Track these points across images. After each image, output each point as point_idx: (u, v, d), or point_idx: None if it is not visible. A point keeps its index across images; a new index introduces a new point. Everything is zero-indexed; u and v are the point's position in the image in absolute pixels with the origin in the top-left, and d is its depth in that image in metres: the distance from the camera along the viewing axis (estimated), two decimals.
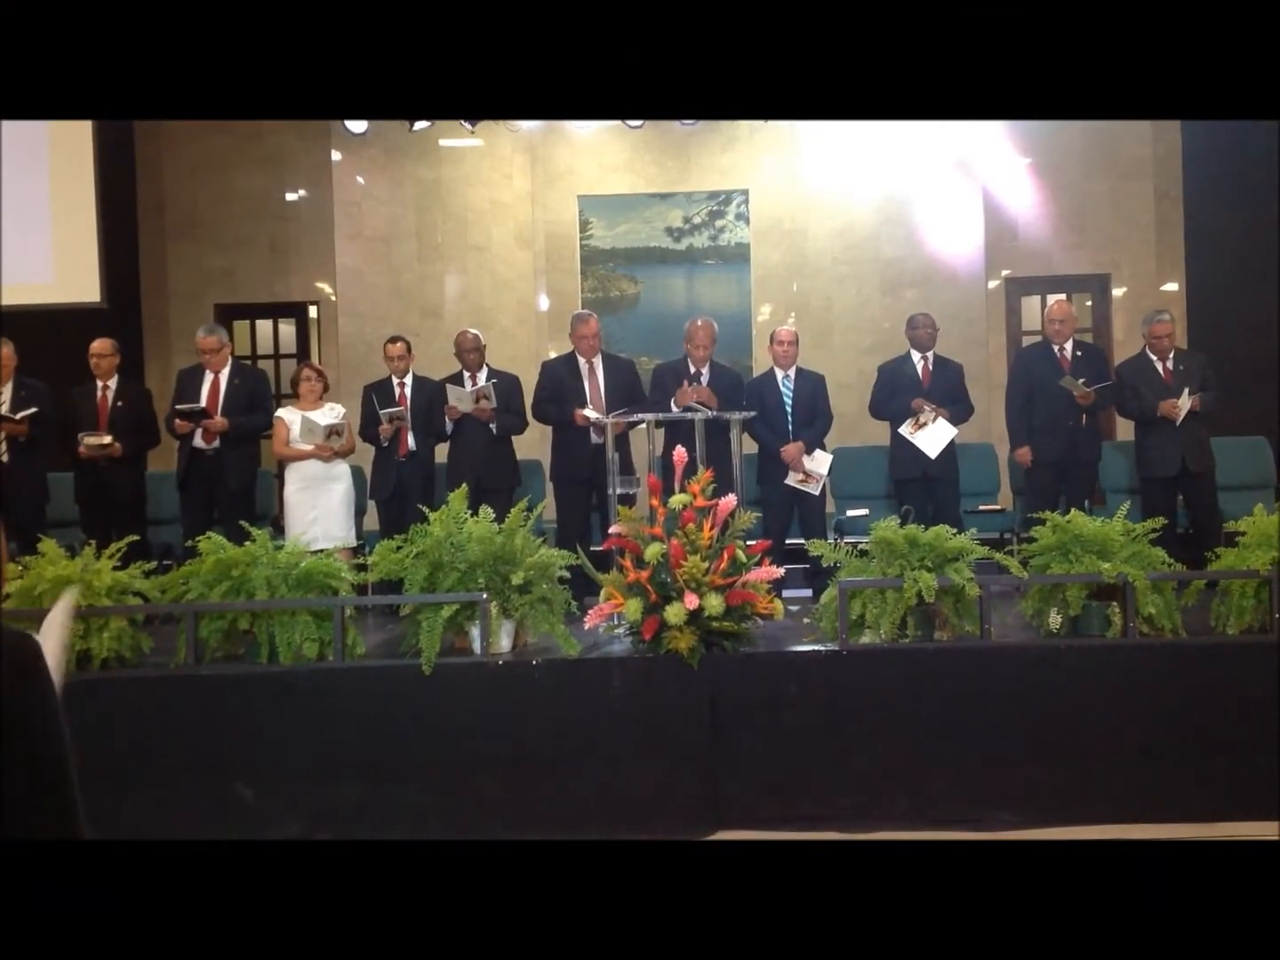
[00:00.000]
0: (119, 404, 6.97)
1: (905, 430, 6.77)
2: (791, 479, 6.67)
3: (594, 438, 6.60)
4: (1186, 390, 6.59)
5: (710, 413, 5.98)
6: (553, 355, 9.30)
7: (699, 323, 6.84)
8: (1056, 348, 6.92)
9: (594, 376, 6.86)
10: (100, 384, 6.98)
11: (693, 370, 6.75)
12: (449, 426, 6.81)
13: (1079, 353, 6.95)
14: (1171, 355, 6.85)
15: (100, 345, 7.02)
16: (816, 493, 6.69)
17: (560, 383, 6.87)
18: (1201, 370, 6.81)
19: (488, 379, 6.93)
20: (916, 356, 7.02)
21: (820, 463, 6.70)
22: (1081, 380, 6.65)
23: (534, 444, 7.86)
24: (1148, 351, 6.92)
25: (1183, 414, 6.55)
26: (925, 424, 6.72)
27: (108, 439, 6.76)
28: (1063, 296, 8.59)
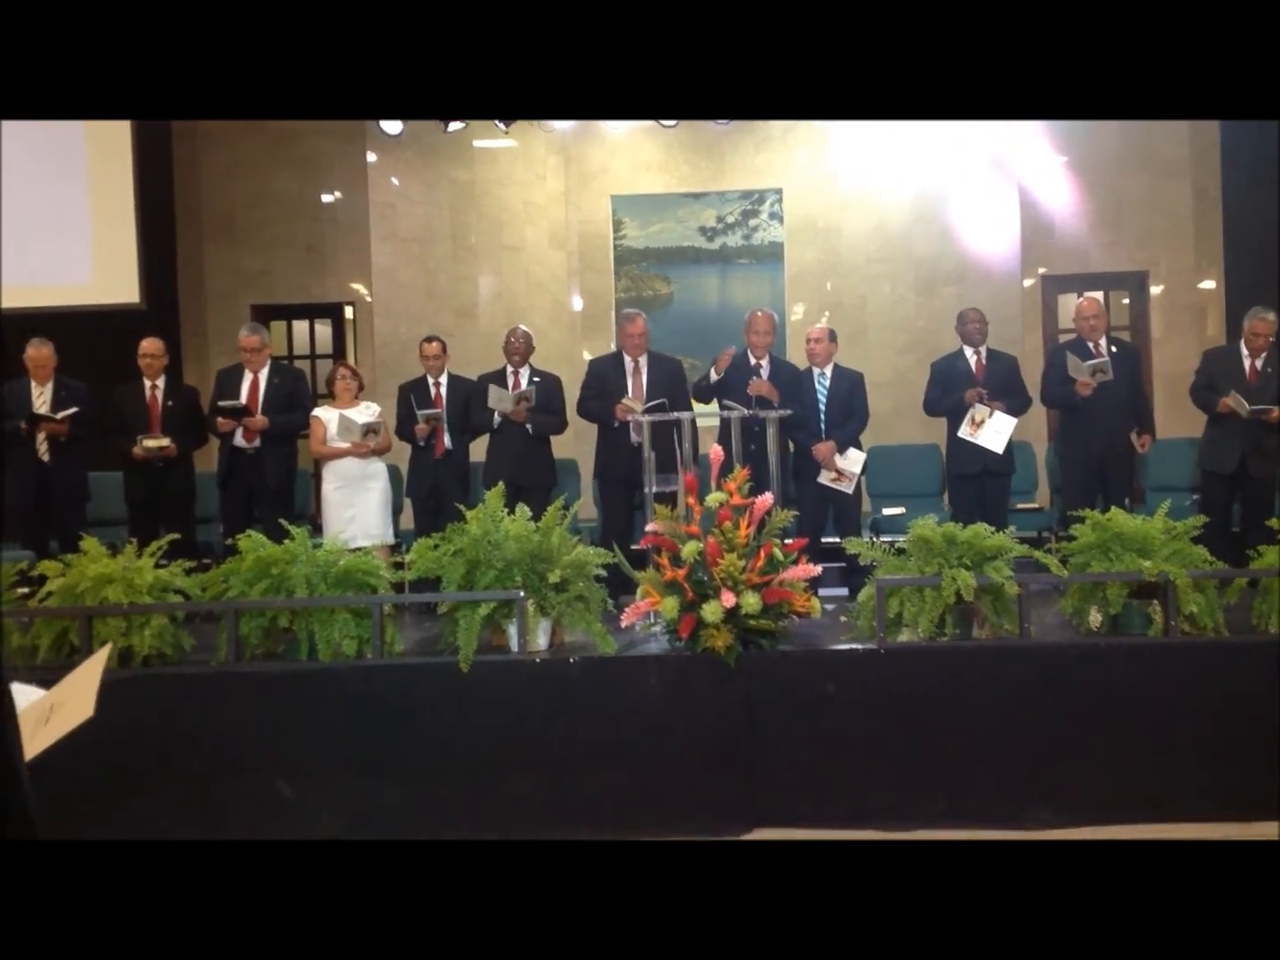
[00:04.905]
0: (169, 403, 7.02)
1: (964, 433, 6.73)
2: (824, 477, 6.65)
3: (633, 437, 6.61)
4: (1233, 391, 6.51)
5: (747, 411, 5.98)
6: (587, 355, 9.36)
7: (759, 313, 6.91)
8: (1091, 344, 6.88)
9: (639, 375, 6.87)
10: (149, 384, 7.02)
11: (753, 362, 6.78)
12: (496, 420, 6.83)
13: (1114, 349, 6.90)
14: (1264, 355, 6.72)
15: (152, 345, 7.06)
16: (849, 491, 6.67)
17: (605, 380, 6.89)
18: None
19: (531, 377, 6.96)
20: (969, 351, 7.00)
21: (853, 461, 6.68)
22: (1089, 365, 6.58)
23: (570, 443, 7.87)
24: (1241, 345, 6.82)
25: (1243, 413, 6.46)
26: (982, 421, 6.68)
27: (166, 441, 6.81)
28: (1096, 293, 8.51)
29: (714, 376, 6.67)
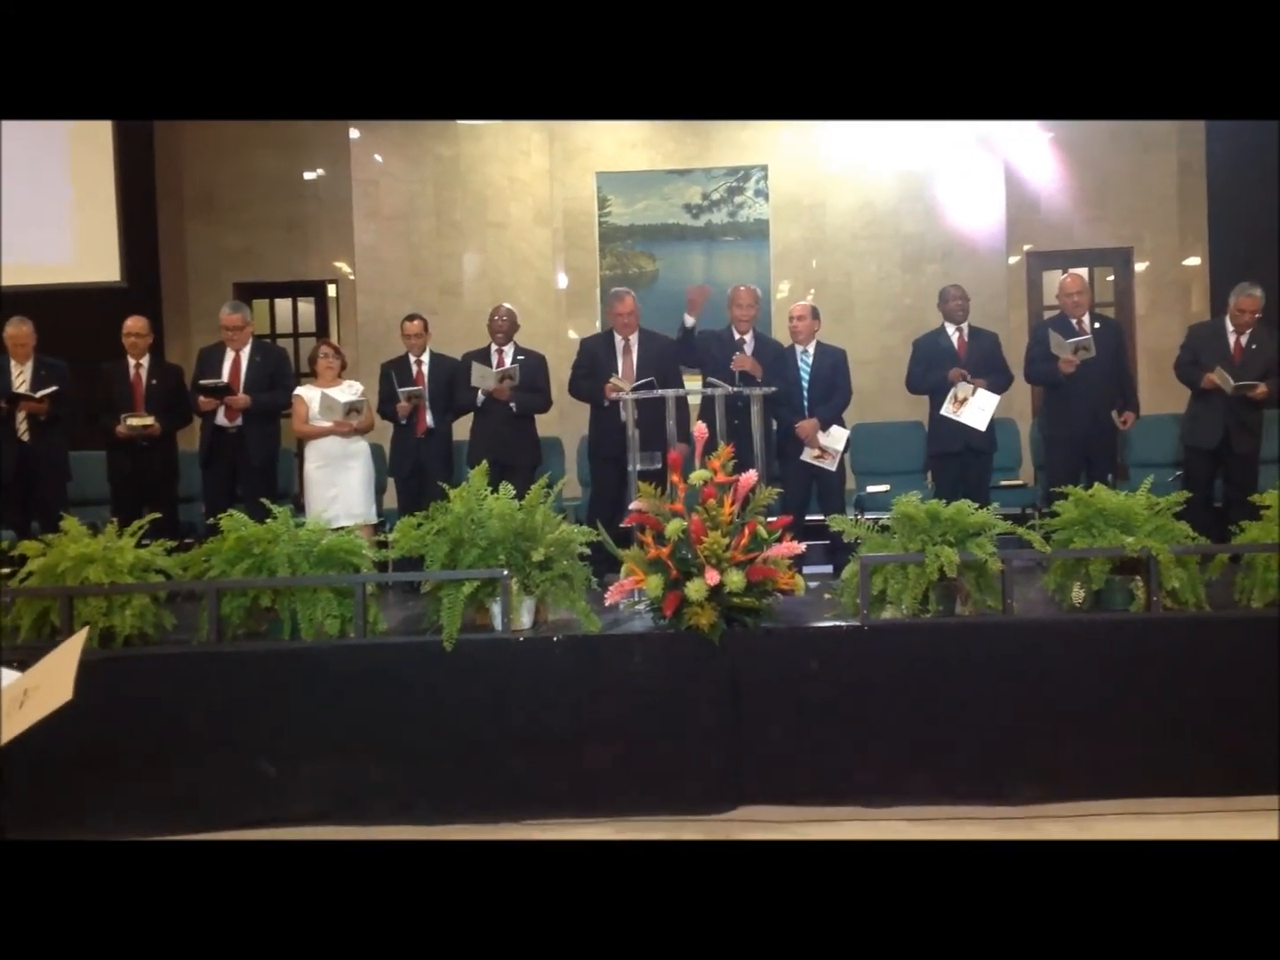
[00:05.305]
0: (154, 382, 7.00)
1: (947, 411, 6.74)
2: (807, 455, 6.66)
3: (621, 415, 6.59)
4: (1219, 368, 6.52)
5: (731, 389, 5.97)
6: (572, 333, 9.34)
7: (742, 288, 6.92)
8: (1074, 321, 6.88)
9: (629, 354, 6.85)
10: (133, 362, 7.00)
11: (737, 337, 6.78)
12: (479, 399, 6.80)
13: (1097, 325, 6.90)
14: (1249, 331, 6.72)
15: (137, 324, 7.04)
16: (833, 469, 6.68)
17: (595, 359, 6.87)
18: (1273, 354, 6.66)
19: (515, 355, 6.94)
20: (951, 329, 7.00)
21: (836, 439, 6.69)
22: (1072, 342, 6.58)
23: (555, 422, 7.86)
24: (1226, 321, 6.81)
25: (1228, 389, 6.46)
26: (965, 399, 6.68)
27: (150, 420, 6.79)
28: (1080, 270, 8.51)
29: (689, 320, 6.68)
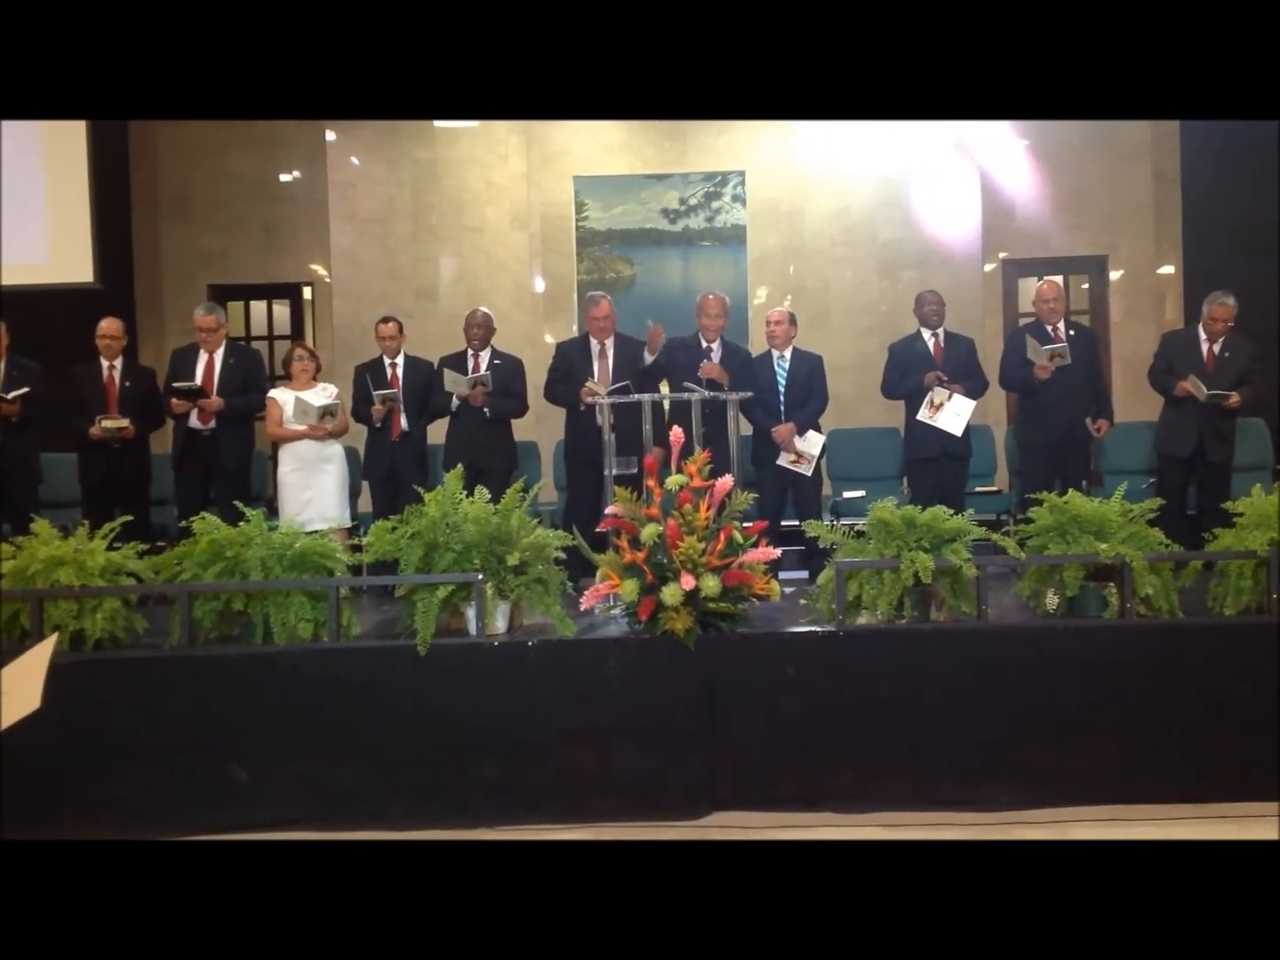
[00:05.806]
0: (127, 384, 6.96)
1: (923, 416, 6.75)
2: (783, 459, 6.67)
3: (597, 419, 6.58)
4: (1192, 376, 6.56)
5: (707, 393, 5.97)
6: (549, 338, 9.32)
7: (710, 296, 6.93)
8: (1050, 328, 6.90)
9: (605, 358, 6.84)
10: (106, 364, 6.95)
11: (704, 345, 6.77)
12: (454, 403, 6.78)
13: (1071, 333, 6.93)
14: (1221, 340, 6.75)
15: (111, 325, 7.00)
16: (808, 474, 6.69)
17: (571, 363, 6.86)
18: (1246, 363, 6.71)
19: (492, 359, 6.93)
20: (927, 334, 7.02)
21: (812, 444, 6.69)
22: (1047, 349, 6.61)
23: (531, 426, 7.84)
24: (1199, 329, 6.84)
25: (1201, 397, 6.50)
26: (941, 404, 6.70)
27: (125, 422, 6.75)
28: (1055, 277, 8.55)
29: (648, 358, 6.68)
